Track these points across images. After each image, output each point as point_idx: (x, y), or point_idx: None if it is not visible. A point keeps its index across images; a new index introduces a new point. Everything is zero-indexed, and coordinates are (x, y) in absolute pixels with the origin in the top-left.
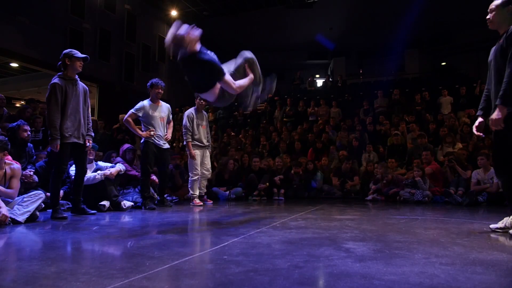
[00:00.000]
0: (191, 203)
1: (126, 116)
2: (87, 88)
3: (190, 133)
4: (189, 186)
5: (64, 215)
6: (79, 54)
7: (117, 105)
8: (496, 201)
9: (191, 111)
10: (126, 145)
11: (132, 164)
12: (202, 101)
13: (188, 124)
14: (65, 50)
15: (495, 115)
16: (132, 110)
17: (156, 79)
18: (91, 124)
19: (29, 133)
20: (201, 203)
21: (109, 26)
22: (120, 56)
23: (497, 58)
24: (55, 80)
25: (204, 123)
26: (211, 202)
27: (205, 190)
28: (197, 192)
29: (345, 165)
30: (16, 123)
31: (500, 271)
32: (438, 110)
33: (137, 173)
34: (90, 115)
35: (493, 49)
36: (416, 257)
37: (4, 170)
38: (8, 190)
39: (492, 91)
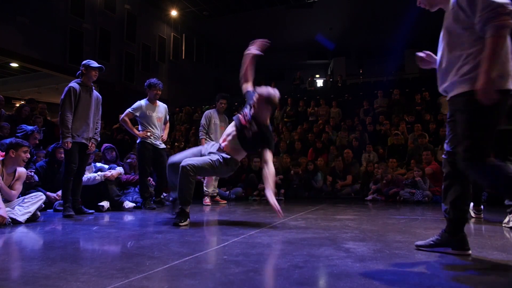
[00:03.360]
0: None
1: (123, 115)
2: (100, 97)
3: (205, 131)
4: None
5: (71, 213)
6: (95, 64)
7: (117, 105)
8: (496, 201)
9: (210, 111)
10: (105, 145)
11: (120, 162)
12: (222, 104)
13: (204, 122)
14: (84, 61)
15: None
16: (129, 110)
17: (154, 79)
18: (99, 129)
19: (38, 141)
20: (210, 203)
21: (109, 26)
22: (120, 56)
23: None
24: (72, 84)
25: (223, 124)
26: (225, 202)
27: (217, 191)
28: (210, 189)
29: (336, 163)
30: (30, 128)
31: (500, 271)
32: (438, 110)
33: (127, 176)
34: (100, 121)
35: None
36: (416, 257)
37: (14, 173)
38: (11, 192)
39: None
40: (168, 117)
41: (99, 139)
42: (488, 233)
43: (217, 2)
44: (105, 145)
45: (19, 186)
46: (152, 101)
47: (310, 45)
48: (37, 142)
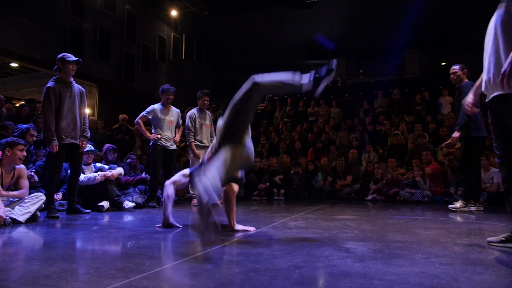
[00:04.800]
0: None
1: (138, 118)
2: (83, 89)
3: (192, 134)
4: (189, 185)
5: (57, 214)
6: (71, 58)
7: (117, 105)
8: (496, 200)
9: (193, 111)
10: (107, 145)
11: (121, 163)
12: (205, 101)
13: (190, 125)
14: (59, 55)
15: (453, 135)
16: (143, 113)
17: (167, 85)
18: (87, 125)
19: (35, 138)
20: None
21: (109, 26)
22: (120, 56)
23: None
24: (49, 84)
25: (208, 122)
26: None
27: None
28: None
29: (337, 163)
30: (25, 126)
31: (500, 271)
32: (438, 110)
33: (126, 178)
34: (86, 116)
35: None
36: (416, 257)
37: (13, 172)
38: (16, 193)
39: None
40: (181, 121)
41: (89, 135)
42: (488, 233)
43: (217, 2)
44: (107, 145)
45: (24, 182)
46: (165, 105)
47: (310, 45)
48: (35, 139)
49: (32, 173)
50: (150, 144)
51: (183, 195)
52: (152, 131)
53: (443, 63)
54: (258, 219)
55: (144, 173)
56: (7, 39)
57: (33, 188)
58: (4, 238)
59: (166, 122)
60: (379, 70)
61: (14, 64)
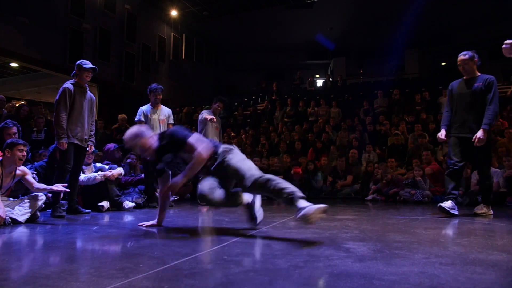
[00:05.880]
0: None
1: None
2: (94, 98)
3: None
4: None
5: (63, 214)
6: (88, 65)
7: (117, 105)
8: (496, 200)
9: (208, 111)
10: (112, 145)
11: (122, 164)
12: (219, 107)
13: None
14: (78, 61)
15: (481, 134)
16: (135, 119)
17: (155, 84)
18: (93, 131)
19: (14, 135)
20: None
21: (109, 26)
22: (120, 56)
23: (475, 95)
24: (66, 84)
25: (219, 126)
26: None
27: None
28: None
29: (338, 163)
30: (2, 124)
31: (500, 271)
32: (438, 110)
33: (126, 178)
34: (94, 123)
35: (457, 84)
36: (416, 257)
37: (14, 172)
38: (42, 185)
39: (465, 117)
40: (172, 122)
41: (94, 141)
42: (488, 233)
43: (217, 2)
44: (113, 145)
45: (30, 178)
46: (153, 105)
47: (310, 45)
48: (15, 136)
49: (34, 175)
50: None
51: (183, 195)
52: None
53: (443, 63)
54: None
55: (144, 173)
56: (7, 39)
57: None
58: (4, 238)
59: (156, 121)
60: (379, 70)
61: (14, 64)
